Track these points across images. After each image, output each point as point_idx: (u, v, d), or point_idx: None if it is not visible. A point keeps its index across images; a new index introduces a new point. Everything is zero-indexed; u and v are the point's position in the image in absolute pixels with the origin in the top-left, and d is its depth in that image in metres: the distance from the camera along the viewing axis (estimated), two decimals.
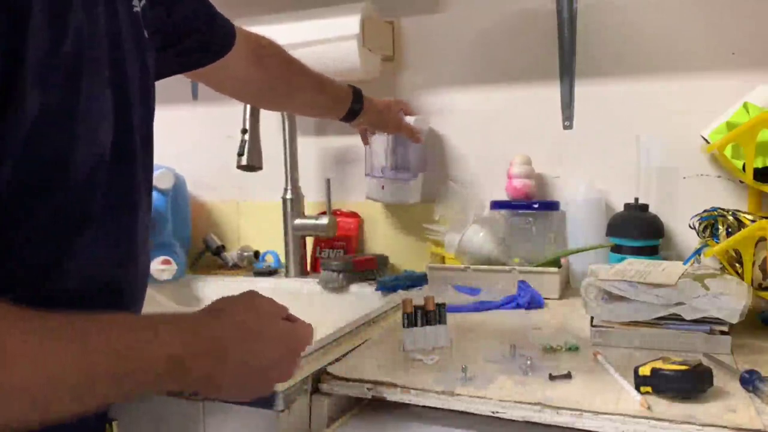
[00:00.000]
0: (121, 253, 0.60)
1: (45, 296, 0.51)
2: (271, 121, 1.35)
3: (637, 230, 1.12)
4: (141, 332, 0.48)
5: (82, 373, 0.43)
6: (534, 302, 1.04)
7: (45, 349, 0.42)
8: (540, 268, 1.13)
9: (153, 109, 0.67)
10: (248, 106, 1.19)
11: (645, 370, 0.66)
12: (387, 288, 1.17)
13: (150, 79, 0.67)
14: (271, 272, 1.40)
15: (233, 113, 1.23)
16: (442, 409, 0.69)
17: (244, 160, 1.18)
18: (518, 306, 1.03)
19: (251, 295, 0.59)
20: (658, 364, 0.66)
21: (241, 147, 1.18)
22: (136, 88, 0.62)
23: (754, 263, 0.91)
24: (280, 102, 1.11)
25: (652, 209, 1.16)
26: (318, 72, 1.08)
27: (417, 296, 0.94)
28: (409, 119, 1.28)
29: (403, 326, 0.83)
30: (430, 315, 0.83)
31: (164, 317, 0.51)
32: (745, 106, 1.07)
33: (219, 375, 0.52)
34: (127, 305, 0.62)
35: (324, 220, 1.30)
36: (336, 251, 1.42)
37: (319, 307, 1.25)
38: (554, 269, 1.12)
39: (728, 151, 1.04)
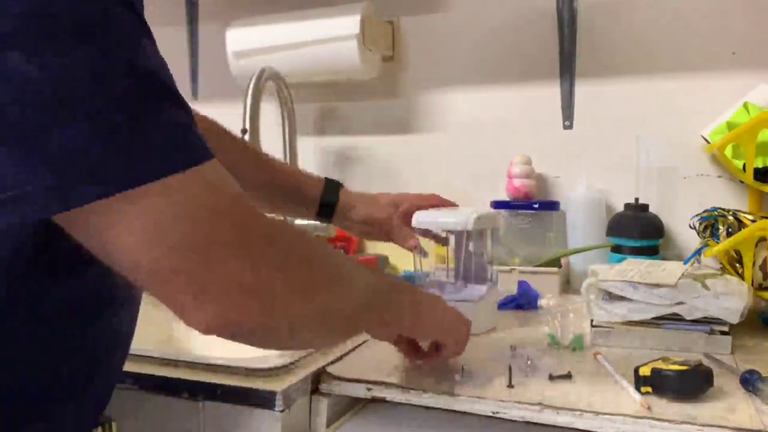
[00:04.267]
0: None
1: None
2: (271, 121, 1.35)
3: (637, 230, 1.12)
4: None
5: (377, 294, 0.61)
6: (534, 302, 1.03)
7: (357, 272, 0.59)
8: (540, 268, 1.13)
9: None
10: (248, 106, 1.19)
11: (645, 370, 0.66)
12: None
13: None
14: None
15: (233, 113, 1.23)
16: (442, 409, 0.69)
17: None
18: (518, 306, 1.03)
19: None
20: (658, 364, 0.66)
21: None
22: None
23: (754, 263, 0.90)
24: None
25: (652, 209, 1.15)
26: (272, 157, 0.91)
27: None
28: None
29: None
30: None
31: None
32: (745, 106, 1.07)
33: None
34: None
35: None
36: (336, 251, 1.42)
37: None
38: (554, 269, 1.12)
39: (728, 151, 1.04)
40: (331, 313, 0.55)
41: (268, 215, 0.49)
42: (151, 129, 0.42)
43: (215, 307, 0.44)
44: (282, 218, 0.53)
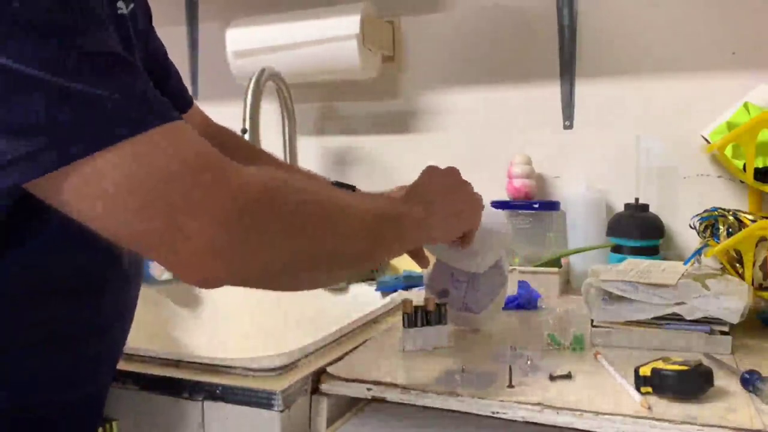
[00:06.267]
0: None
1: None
2: (271, 121, 1.35)
3: (637, 230, 1.12)
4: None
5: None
6: (534, 302, 1.03)
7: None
8: (540, 268, 1.12)
9: None
10: (248, 106, 1.19)
11: (645, 370, 0.66)
12: (387, 288, 1.17)
13: None
14: None
15: (233, 113, 1.23)
16: (442, 409, 0.69)
17: None
18: (518, 306, 1.03)
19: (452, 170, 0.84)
20: (659, 364, 0.66)
21: None
22: None
23: (754, 263, 0.90)
24: None
25: (652, 209, 1.15)
26: (281, 159, 0.96)
27: (417, 296, 0.94)
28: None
29: (403, 326, 0.83)
30: (430, 315, 0.83)
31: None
32: (746, 106, 1.07)
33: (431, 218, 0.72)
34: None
35: None
36: None
37: (319, 307, 1.25)
38: (554, 269, 1.12)
39: (729, 151, 1.04)
40: (326, 254, 0.55)
41: (250, 168, 0.49)
42: (110, 94, 0.42)
43: (188, 268, 0.46)
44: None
